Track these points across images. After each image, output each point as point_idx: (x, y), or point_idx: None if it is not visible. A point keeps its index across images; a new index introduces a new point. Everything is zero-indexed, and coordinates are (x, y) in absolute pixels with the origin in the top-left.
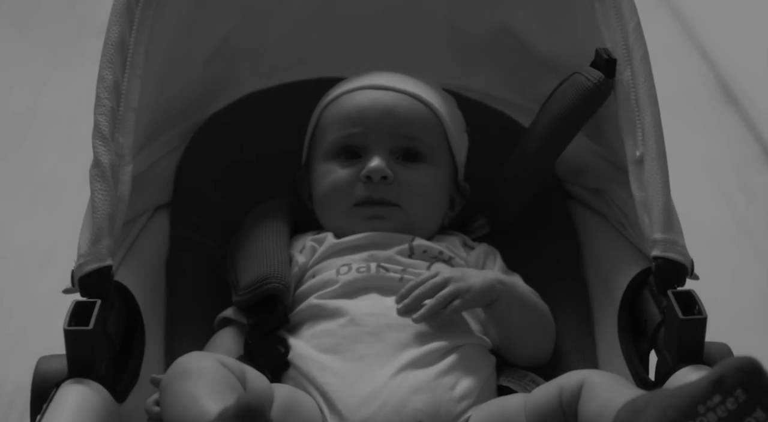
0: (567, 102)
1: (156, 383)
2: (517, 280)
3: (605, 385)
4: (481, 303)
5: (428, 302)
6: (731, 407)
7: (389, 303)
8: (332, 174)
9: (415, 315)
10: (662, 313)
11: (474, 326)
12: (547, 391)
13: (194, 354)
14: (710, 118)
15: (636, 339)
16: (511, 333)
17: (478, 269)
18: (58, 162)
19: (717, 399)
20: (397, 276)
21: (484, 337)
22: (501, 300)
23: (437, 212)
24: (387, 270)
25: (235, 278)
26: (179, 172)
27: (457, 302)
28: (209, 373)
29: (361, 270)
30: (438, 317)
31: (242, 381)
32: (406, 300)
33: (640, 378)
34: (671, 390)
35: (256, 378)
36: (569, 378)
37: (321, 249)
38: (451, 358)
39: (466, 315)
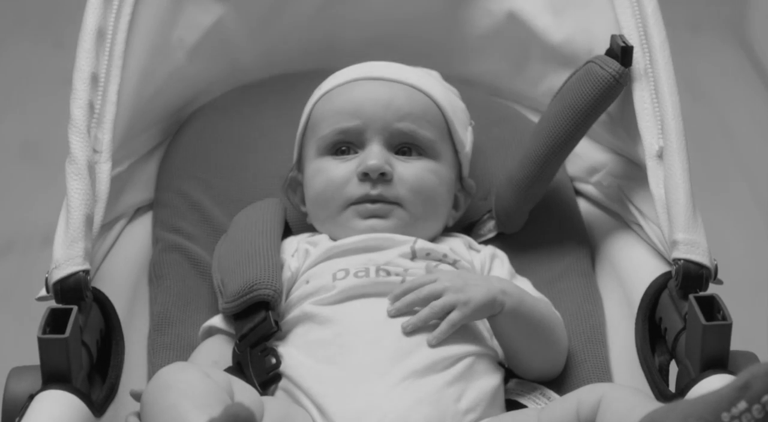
0: (580, 94)
1: (136, 396)
2: (525, 287)
3: (624, 399)
4: (481, 316)
5: (421, 311)
6: (758, 415)
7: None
8: (326, 171)
9: (405, 324)
10: (683, 320)
11: (481, 334)
12: (563, 406)
13: (177, 366)
14: None
15: (655, 348)
16: (517, 346)
17: (483, 274)
18: None
19: (742, 406)
20: (399, 279)
21: (492, 347)
22: (506, 312)
23: (440, 211)
24: (388, 273)
25: (221, 284)
26: (161, 170)
27: (454, 315)
28: (194, 385)
29: (360, 274)
30: (435, 333)
31: (229, 393)
32: (398, 304)
33: (659, 390)
34: (694, 399)
35: (244, 390)
36: (587, 393)
37: (315, 253)
38: (456, 368)
39: (474, 322)
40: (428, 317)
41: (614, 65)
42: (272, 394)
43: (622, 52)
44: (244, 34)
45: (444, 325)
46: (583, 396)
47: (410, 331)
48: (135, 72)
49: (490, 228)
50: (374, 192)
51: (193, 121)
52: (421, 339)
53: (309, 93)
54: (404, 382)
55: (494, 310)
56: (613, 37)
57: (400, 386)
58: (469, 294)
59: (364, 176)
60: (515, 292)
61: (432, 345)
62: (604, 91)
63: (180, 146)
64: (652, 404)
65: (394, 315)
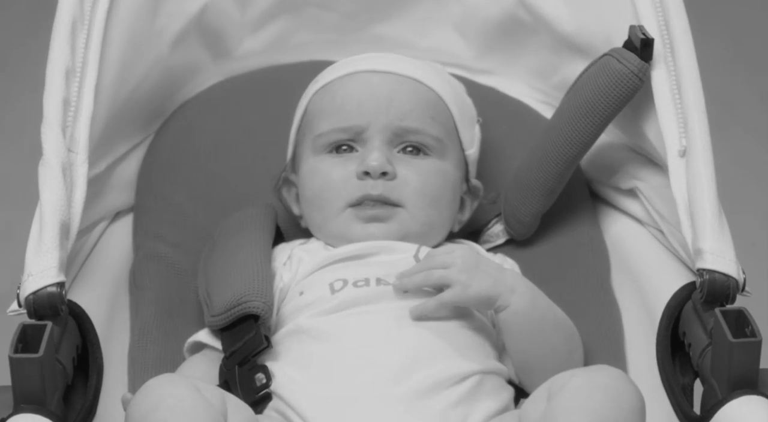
0: (596, 89)
1: (126, 403)
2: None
3: (576, 390)
4: (477, 306)
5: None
6: None
7: (391, 322)
8: (323, 171)
9: (395, 281)
10: (709, 335)
11: (490, 351)
12: (535, 403)
13: (166, 378)
14: None
15: (678, 365)
16: (527, 350)
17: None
18: None
19: None
20: (402, 290)
21: (501, 365)
22: (509, 314)
23: (445, 214)
24: (389, 282)
25: (207, 296)
26: (142, 172)
27: (447, 294)
28: (184, 402)
29: (359, 284)
30: (420, 307)
31: (222, 411)
32: (405, 271)
33: (683, 411)
34: None
35: (238, 408)
36: (554, 382)
37: (310, 261)
38: (461, 388)
39: (481, 338)
40: (421, 282)
41: (633, 60)
42: (265, 415)
43: (642, 45)
44: (233, 21)
45: (432, 301)
46: (551, 384)
47: (398, 289)
48: (114, 65)
49: (498, 233)
50: (375, 192)
51: (177, 118)
52: (425, 356)
53: (304, 86)
54: (404, 404)
55: (494, 306)
56: (631, 27)
57: (400, 408)
58: (474, 279)
59: (365, 175)
60: (528, 293)
61: (413, 318)
62: (622, 87)
63: (162, 145)
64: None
65: (399, 280)
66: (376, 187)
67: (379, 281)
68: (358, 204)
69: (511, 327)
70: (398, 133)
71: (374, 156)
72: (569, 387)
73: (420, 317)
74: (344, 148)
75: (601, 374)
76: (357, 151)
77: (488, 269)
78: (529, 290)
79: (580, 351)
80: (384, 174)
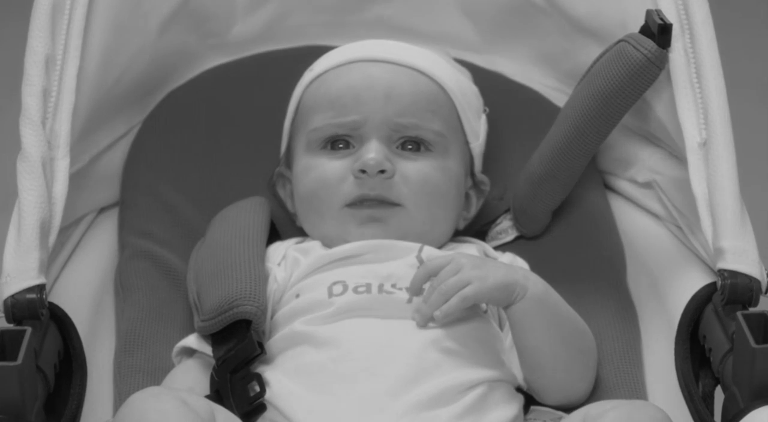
0: (611, 77)
1: None
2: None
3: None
4: (498, 296)
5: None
6: None
7: (394, 329)
8: (318, 168)
9: (411, 294)
10: (730, 340)
11: (498, 357)
12: None
13: (151, 392)
14: None
15: (698, 371)
16: (540, 347)
17: None
18: None
19: None
20: (404, 295)
21: (510, 371)
22: (529, 298)
23: (449, 213)
24: (392, 289)
25: (197, 298)
26: (128, 165)
27: (468, 289)
28: (170, 417)
29: (360, 290)
30: (444, 307)
31: None
32: (413, 282)
33: (703, 420)
34: None
35: (229, 421)
36: (591, 409)
37: (306, 262)
38: (468, 398)
39: (490, 343)
40: (439, 301)
41: (649, 45)
42: None
43: (659, 31)
44: (224, 3)
45: (455, 299)
46: (587, 411)
47: (422, 324)
48: (97, 51)
49: (507, 230)
50: (373, 192)
51: (165, 107)
52: (428, 365)
53: (299, 73)
54: (408, 416)
55: (513, 295)
56: (648, 12)
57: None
58: (487, 272)
59: (362, 173)
60: (541, 282)
61: (438, 320)
62: (637, 75)
63: (149, 137)
64: None
65: (418, 313)
66: (373, 187)
67: (380, 288)
68: (354, 203)
69: (526, 319)
70: (396, 129)
71: (371, 154)
72: (606, 419)
73: (445, 317)
74: (340, 144)
75: (642, 411)
76: (353, 146)
77: (496, 263)
78: (540, 280)
79: (593, 352)
80: (382, 172)
